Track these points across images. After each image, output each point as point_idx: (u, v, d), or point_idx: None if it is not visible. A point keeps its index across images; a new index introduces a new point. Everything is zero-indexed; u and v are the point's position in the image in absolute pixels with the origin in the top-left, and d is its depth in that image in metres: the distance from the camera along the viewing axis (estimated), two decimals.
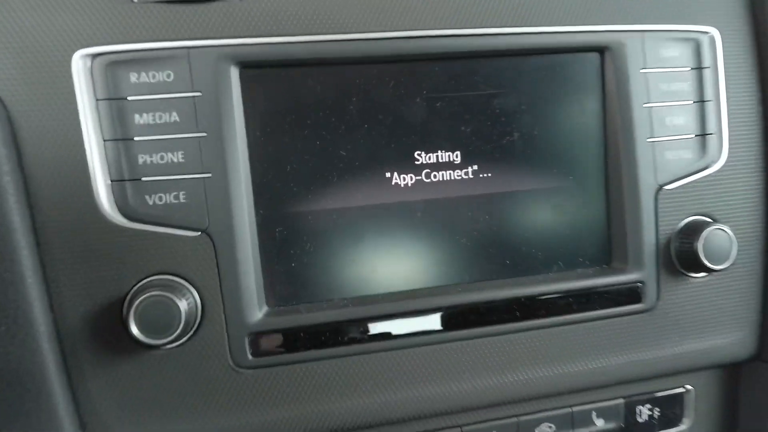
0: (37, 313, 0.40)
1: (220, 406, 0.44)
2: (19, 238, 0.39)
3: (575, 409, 0.53)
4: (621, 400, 0.55)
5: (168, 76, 0.42)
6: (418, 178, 0.46)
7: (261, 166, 0.44)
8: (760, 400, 0.56)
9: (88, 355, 0.42)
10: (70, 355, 0.42)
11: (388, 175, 0.46)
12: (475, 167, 0.47)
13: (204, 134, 0.43)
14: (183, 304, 0.40)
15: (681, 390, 0.57)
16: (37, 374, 0.40)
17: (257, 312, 0.44)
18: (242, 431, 0.46)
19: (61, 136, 0.41)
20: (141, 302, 0.40)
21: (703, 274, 0.51)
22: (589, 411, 0.54)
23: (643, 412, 0.55)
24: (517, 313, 0.48)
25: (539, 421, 0.53)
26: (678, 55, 0.51)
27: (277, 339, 0.45)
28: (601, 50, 0.50)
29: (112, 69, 0.42)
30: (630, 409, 0.55)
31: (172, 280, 0.42)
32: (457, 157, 0.47)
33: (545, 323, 0.49)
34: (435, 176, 0.47)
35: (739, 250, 0.50)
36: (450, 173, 0.47)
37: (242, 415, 0.44)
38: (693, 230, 0.49)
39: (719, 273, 0.51)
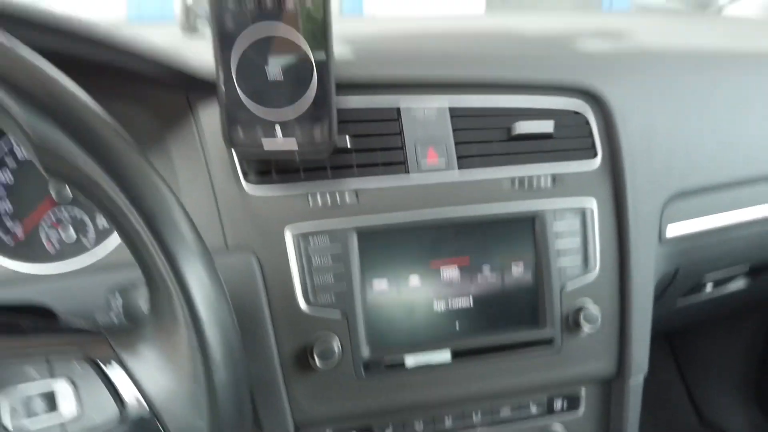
0: (273, 353, 0.72)
1: (352, 396, 0.75)
2: (267, 322, 0.72)
3: (521, 401, 0.86)
4: (545, 396, 0.88)
5: (326, 239, 0.74)
6: (447, 284, 0.82)
7: (367, 279, 0.76)
8: (619, 400, 0.89)
9: (293, 372, 0.73)
10: (285, 372, 0.73)
11: (428, 280, 0.81)
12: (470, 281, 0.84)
13: (342, 266, 0.74)
14: (337, 347, 0.73)
15: (578, 393, 0.89)
16: (273, 381, 0.72)
17: (367, 352, 0.75)
18: (362, 407, 0.76)
19: (283, 271, 0.73)
20: (319, 345, 0.71)
21: (584, 331, 0.81)
22: (528, 401, 0.87)
23: (557, 403, 0.88)
24: (493, 351, 0.79)
25: (501, 406, 0.85)
26: (573, 217, 0.82)
27: (377, 364, 0.76)
28: (533, 217, 0.80)
29: (303, 237, 0.73)
30: (550, 402, 0.88)
31: (330, 336, 0.73)
32: (459, 270, 0.83)
33: (506, 356, 0.79)
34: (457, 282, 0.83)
35: (602, 318, 0.81)
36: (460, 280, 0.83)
37: (362, 401, 0.76)
38: (579, 308, 0.80)
39: (593, 330, 0.81)
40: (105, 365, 0.39)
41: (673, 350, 1.83)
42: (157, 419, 0.38)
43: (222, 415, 0.39)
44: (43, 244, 0.82)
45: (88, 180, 0.37)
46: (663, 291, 1.04)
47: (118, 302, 0.68)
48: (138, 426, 0.38)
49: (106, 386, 0.38)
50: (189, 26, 0.89)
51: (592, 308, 0.82)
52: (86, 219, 0.84)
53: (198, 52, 0.74)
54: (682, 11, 2.04)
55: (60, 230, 0.84)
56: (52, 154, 0.36)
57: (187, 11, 0.90)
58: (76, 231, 0.84)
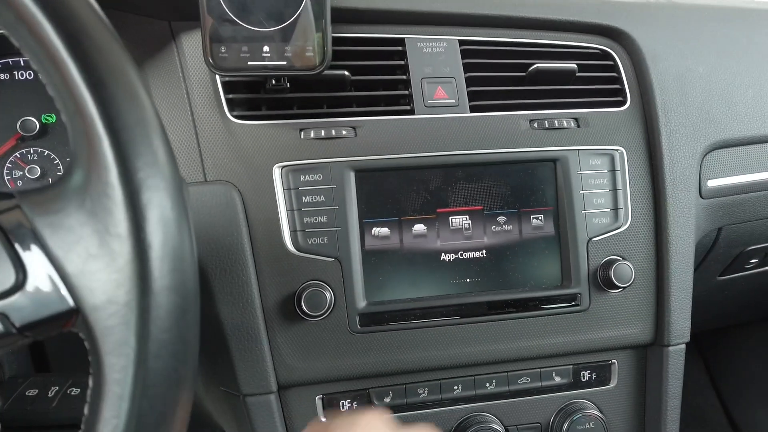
0: (255, 298, 0.68)
1: (344, 352, 0.70)
2: (249, 262, 0.68)
3: (542, 369, 0.79)
4: (570, 366, 0.80)
5: (319, 177, 0.69)
6: (456, 234, 0.74)
7: (366, 223, 0.70)
8: (657, 370, 0.82)
9: (277, 322, 0.69)
10: (268, 321, 0.68)
11: (435, 228, 0.73)
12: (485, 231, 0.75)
13: (337, 207, 0.69)
14: (328, 295, 0.68)
15: (609, 362, 0.82)
16: (254, 330, 0.68)
17: (362, 303, 0.70)
18: (356, 367, 0.71)
19: (268, 209, 0.68)
20: (308, 293, 0.66)
21: (615, 290, 0.75)
22: (551, 371, 0.79)
23: (585, 375, 0.81)
24: (509, 309, 0.74)
25: (520, 375, 0.79)
26: (600, 163, 0.77)
27: (373, 318, 0.71)
28: (554, 161, 0.75)
29: (293, 173, 0.68)
30: (576, 372, 0.80)
31: (320, 283, 0.68)
32: (471, 218, 0.74)
33: (525, 315, 0.74)
34: (468, 231, 0.74)
35: (635, 276, 0.74)
36: (471, 229, 0.74)
37: (356, 358, 0.71)
38: (609, 264, 0.74)
39: (625, 289, 0.75)
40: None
41: (704, 358, 1.69)
42: (70, 292, 0.33)
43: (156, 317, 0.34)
44: (5, 182, 0.74)
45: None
46: (704, 257, 0.93)
47: None
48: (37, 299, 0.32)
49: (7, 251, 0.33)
50: None
51: (625, 264, 0.74)
52: (54, 156, 0.76)
53: None
54: None
55: (25, 169, 0.76)
56: None
57: None
58: (42, 168, 0.76)
